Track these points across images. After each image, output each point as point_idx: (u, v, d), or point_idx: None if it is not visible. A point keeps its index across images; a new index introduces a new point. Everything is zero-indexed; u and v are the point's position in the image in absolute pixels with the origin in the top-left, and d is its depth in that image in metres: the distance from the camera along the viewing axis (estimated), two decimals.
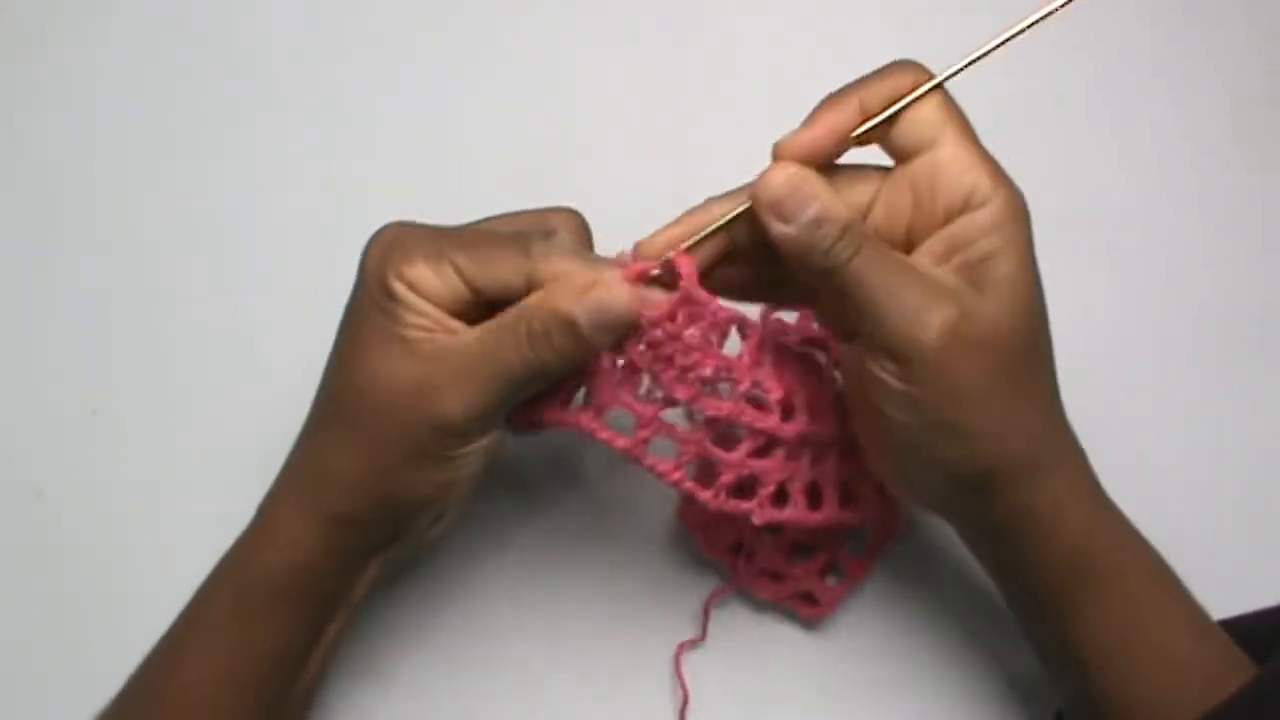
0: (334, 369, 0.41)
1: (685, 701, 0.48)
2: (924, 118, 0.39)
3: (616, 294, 0.39)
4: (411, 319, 0.39)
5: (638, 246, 0.41)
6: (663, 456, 0.43)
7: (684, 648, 0.49)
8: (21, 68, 0.57)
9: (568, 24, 0.58)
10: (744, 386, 0.42)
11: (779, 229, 0.38)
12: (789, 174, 0.38)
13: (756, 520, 0.43)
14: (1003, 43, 0.39)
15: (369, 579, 0.44)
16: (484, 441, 0.40)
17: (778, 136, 0.39)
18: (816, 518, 0.44)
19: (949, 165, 0.38)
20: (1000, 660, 0.50)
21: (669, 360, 0.41)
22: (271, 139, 0.56)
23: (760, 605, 0.50)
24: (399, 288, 0.39)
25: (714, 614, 0.49)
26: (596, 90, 0.57)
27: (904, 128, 0.39)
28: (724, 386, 0.42)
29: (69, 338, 0.53)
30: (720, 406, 0.42)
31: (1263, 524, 0.52)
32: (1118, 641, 0.41)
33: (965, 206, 0.38)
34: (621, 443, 0.42)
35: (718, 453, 0.42)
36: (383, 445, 0.40)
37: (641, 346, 0.41)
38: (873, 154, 0.41)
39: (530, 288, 0.39)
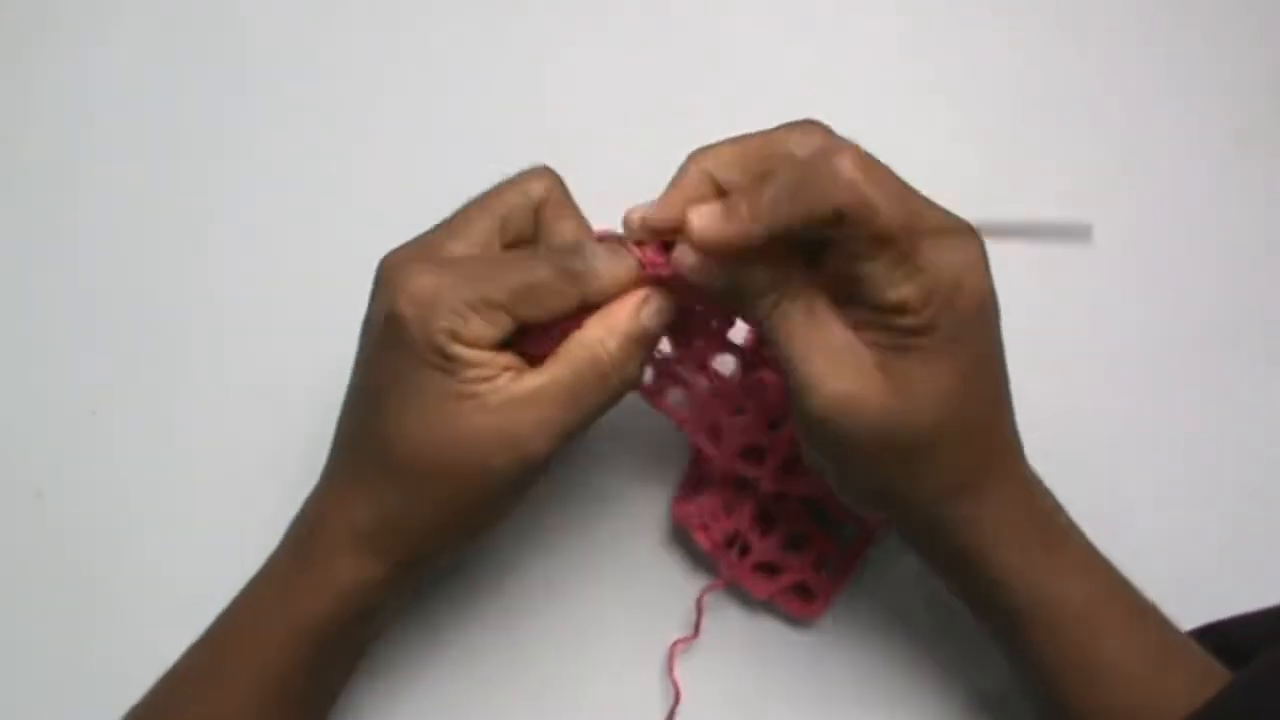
0: (387, 429, 0.40)
1: (677, 700, 0.48)
2: (855, 231, 0.37)
3: (664, 296, 0.41)
4: (473, 374, 0.39)
5: (628, 219, 0.41)
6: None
7: (678, 646, 0.49)
8: (21, 68, 0.57)
9: (565, 21, 0.58)
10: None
11: (703, 283, 0.40)
12: (688, 264, 0.39)
13: (764, 487, 0.46)
14: None
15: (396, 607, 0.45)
16: (544, 474, 0.41)
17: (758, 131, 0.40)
18: (790, 485, 0.47)
19: (878, 278, 0.37)
20: (995, 659, 0.50)
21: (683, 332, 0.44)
22: (272, 139, 0.56)
23: (754, 603, 0.50)
24: (457, 350, 0.39)
25: (708, 612, 0.49)
26: (593, 85, 0.57)
27: (839, 235, 0.37)
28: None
29: (69, 338, 0.53)
30: (728, 384, 0.46)
31: (1261, 527, 0.52)
32: (1072, 670, 0.41)
33: (893, 310, 0.38)
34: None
35: (728, 419, 0.45)
36: (468, 496, 0.40)
37: None
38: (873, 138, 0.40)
39: (582, 309, 0.40)
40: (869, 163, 0.37)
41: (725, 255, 0.38)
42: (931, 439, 0.39)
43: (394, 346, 0.39)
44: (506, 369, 0.39)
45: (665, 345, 0.45)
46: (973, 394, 0.39)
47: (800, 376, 0.39)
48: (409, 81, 0.57)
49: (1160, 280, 0.55)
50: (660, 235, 0.40)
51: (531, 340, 0.41)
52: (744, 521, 0.48)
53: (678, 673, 0.48)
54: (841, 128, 0.56)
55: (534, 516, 0.51)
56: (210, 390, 0.53)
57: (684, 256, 0.39)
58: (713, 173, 0.40)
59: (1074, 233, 0.36)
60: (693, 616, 0.49)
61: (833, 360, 0.38)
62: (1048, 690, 0.42)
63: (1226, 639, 0.43)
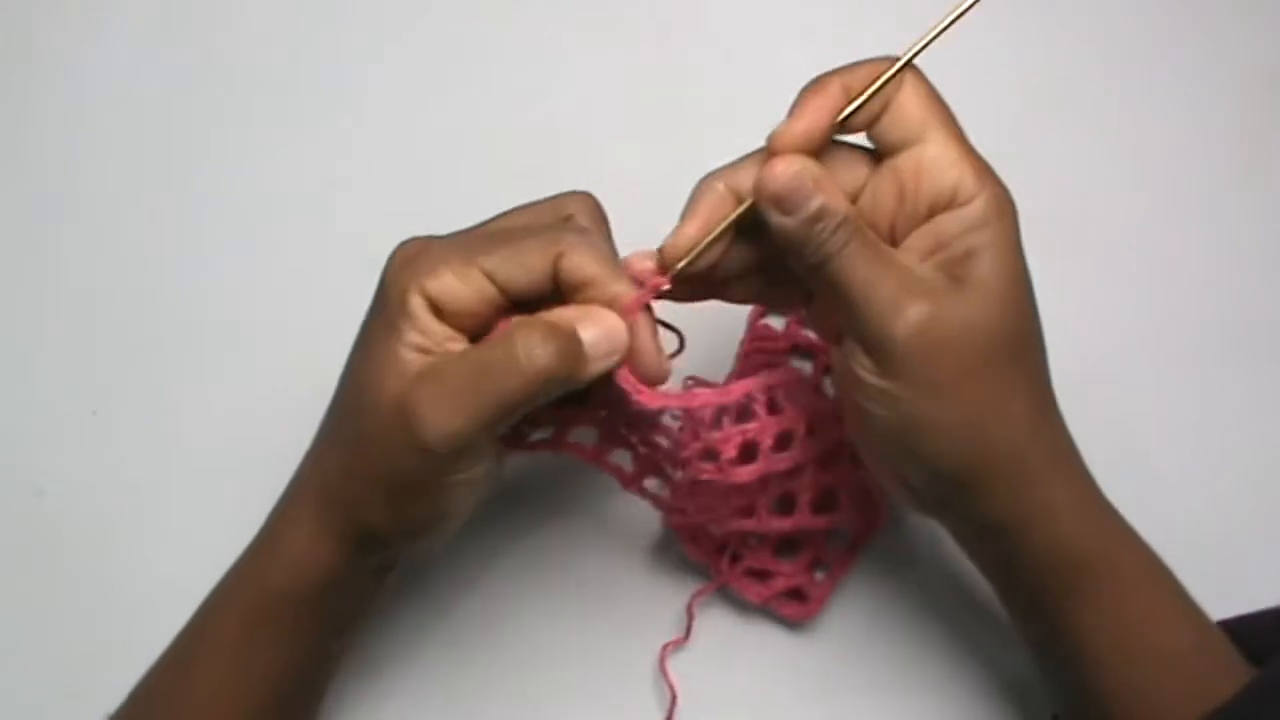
0: (341, 383, 0.41)
1: (673, 701, 0.48)
2: (909, 113, 0.39)
3: (616, 321, 0.39)
4: (412, 337, 0.38)
5: (662, 252, 0.40)
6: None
7: (669, 648, 0.49)
8: (20, 68, 0.57)
9: (566, 19, 0.58)
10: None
11: (779, 221, 0.38)
12: (794, 169, 0.38)
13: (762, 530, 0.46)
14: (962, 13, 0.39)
15: (369, 593, 0.44)
16: (472, 473, 0.39)
17: (773, 128, 0.39)
18: (785, 525, 0.46)
19: (934, 161, 0.38)
20: (989, 660, 0.50)
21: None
22: (272, 138, 0.56)
23: (746, 605, 0.50)
24: (415, 302, 0.38)
25: (700, 614, 0.49)
26: (594, 86, 0.57)
27: (889, 122, 0.39)
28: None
29: (69, 338, 0.54)
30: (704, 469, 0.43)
31: (1265, 525, 0.52)
32: (1114, 644, 0.40)
33: (949, 203, 0.38)
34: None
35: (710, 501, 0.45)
36: (373, 464, 0.39)
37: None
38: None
39: (557, 279, 0.39)
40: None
41: (818, 141, 0.39)
42: (1013, 343, 0.39)
43: (374, 306, 0.40)
44: (448, 342, 0.38)
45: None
46: (1034, 304, 0.39)
47: (875, 305, 0.38)
48: (409, 82, 0.57)
49: (1160, 280, 0.55)
50: (808, 146, 0.39)
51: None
52: (735, 530, 0.48)
53: (673, 675, 0.48)
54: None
55: (529, 518, 0.51)
56: (210, 390, 0.53)
57: (788, 165, 0.38)
58: (732, 186, 0.40)
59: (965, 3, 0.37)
60: (684, 619, 0.49)
61: (905, 284, 0.38)
62: (1088, 663, 0.41)
63: (1240, 636, 0.42)
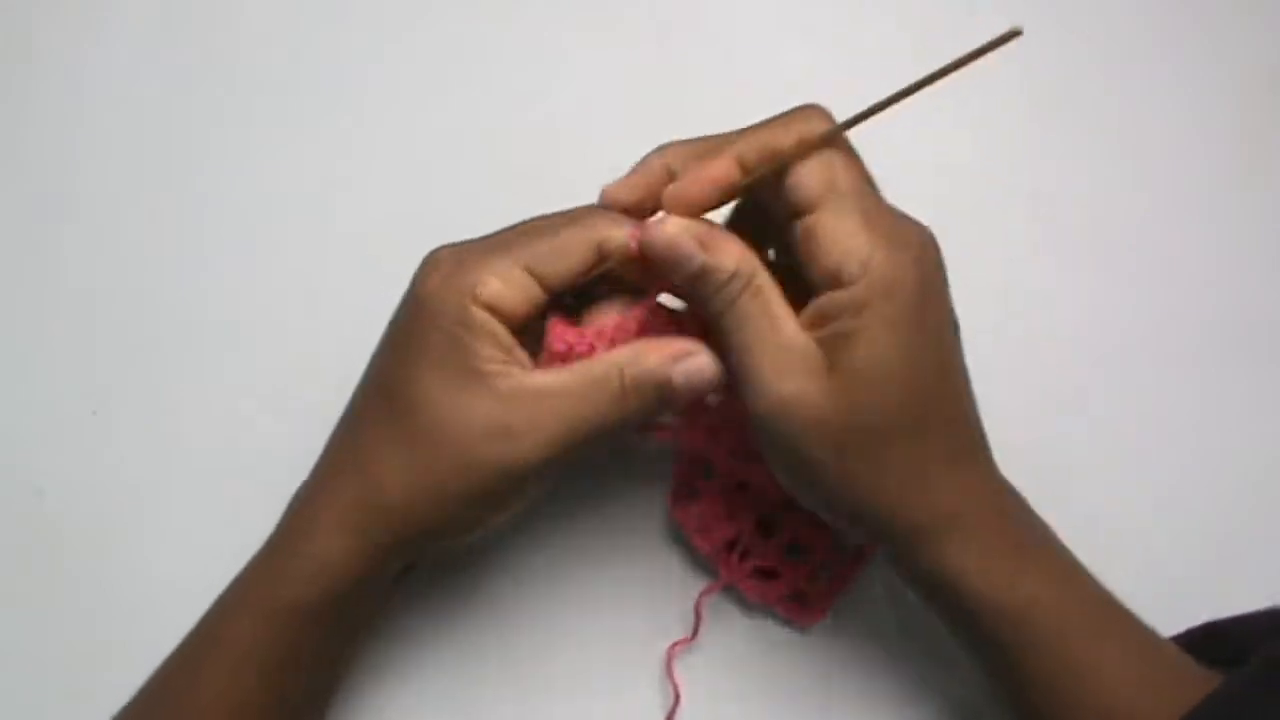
0: (391, 396, 0.40)
1: (676, 702, 0.48)
2: (804, 183, 0.38)
3: (710, 361, 0.40)
4: (486, 351, 0.38)
5: (603, 193, 0.41)
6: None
7: (676, 647, 0.49)
8: (20, 67, 0.57)
9: (566, 19, 0.58)
10: None
11: (668, 275, 0.39)
12: (669, 235, 0.38)
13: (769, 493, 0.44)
14: (890, 101, 0.39)
15: (390, 593, 0.44)
16: (547, 486, 0.40)
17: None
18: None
19: (821, 236, 0.38)
20: None
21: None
22: (273, 138, 0.56)
23: (753, 604, 0.50)
24: (478, 314, 0.38)
25: (707, 613, 0.49)
26: (594, 86, 0.57)
27: (787, 188, 0.38)
28: None
29: (69, 338, 0.54)
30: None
31: (1265, 525, 0.52)
32: (1047, 694, 0.40)
33: (832, 282, 0.38)
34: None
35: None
36: (449, 482, 0.39)
37: None
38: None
39: (600, 258, 0.40)
40: (832, 118, 0.39)
41: (703, 209, 0.39)
42: (878, 432, 0.38)
43: (415, 319, 0.39)
44: (520, 364, 0.39)
45: None
46: (922, 385, 0.38)
47: (746, 375, 0.39)
48: (410, 82, 0.57)
49: (1160, 280, 0.55)
50: (698, 208, 0.40)
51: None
52: (745, 526, 0.48)
53: (678, 675, 0.48)
54: None
55: (533, 515, 0.51)
56: (210, 390, 0.53)
57: (667, 228, 0.39)
58: (671, 164, 0.40)
59: (1006, 39, 0.36)
60: (691, 617, 0.49)
61: (779, 358, 0.38)
62: (1024, 708, 0.41)
63: (1223, 639, 0.42)
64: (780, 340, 0.38)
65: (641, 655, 0.49)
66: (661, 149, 0.41)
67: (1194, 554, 0.51)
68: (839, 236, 0.37)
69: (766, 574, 0.49)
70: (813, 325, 0.38)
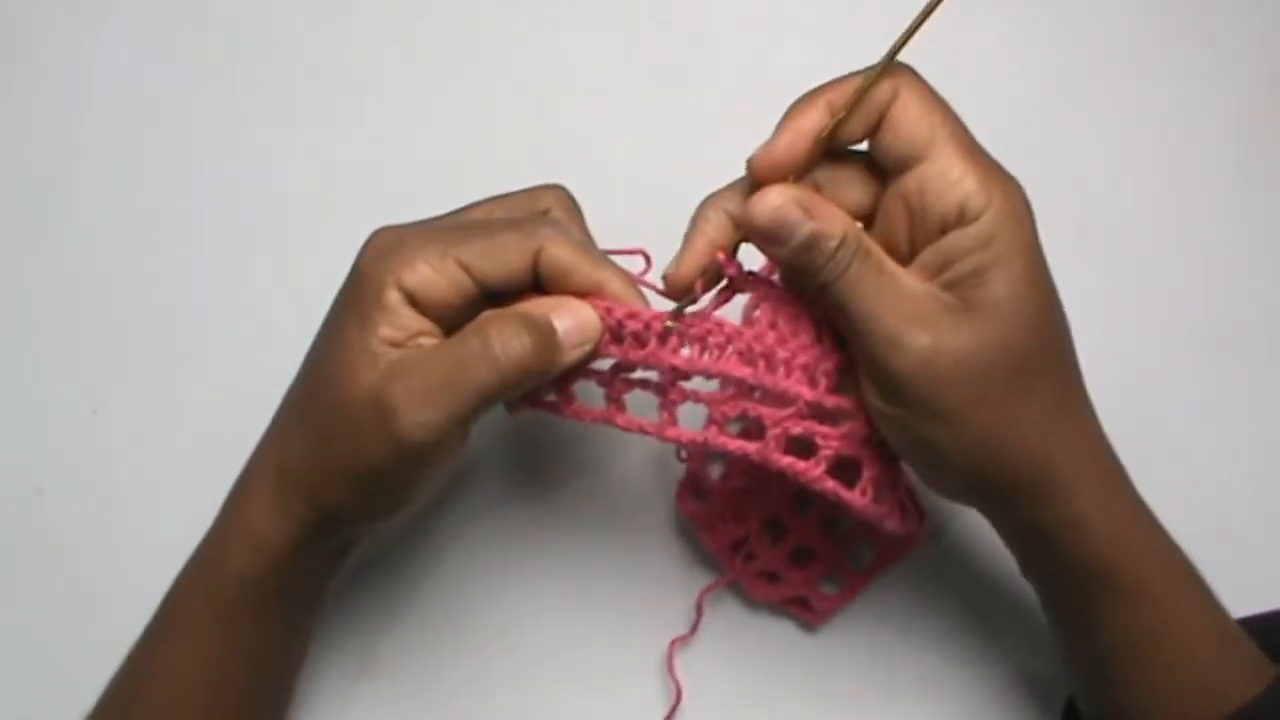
0: (306, 369, 0.41)
1: (678, 698, 0.48)
2: (906, 127, 0.37)
3: (590, 312, 0.39)
4: (385, 331, 0.38)
5: (666, 280, 0.40)
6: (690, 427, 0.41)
7: (677, 644, 0.48)
8: (21, 67, 0.57)
9: (566, 19, 0.58)
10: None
11: (774, 252, 0.38)
12: (776, 203, 0.37)
13: (810, 477, 0.40)
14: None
15: (331, 571, 0.43)
16: (441, 464, 0.39)
17: (768, 129, 0.39)
18: (856, 497, 0.41)
19: (938, 178, 0.37)
20: (997, 662, 0.50)
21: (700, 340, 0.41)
22: (273, 138, 0.56)
23: (755, 602, 0.50)
24: (390, 295, 0.38)
25: (710, 610, 0.49)
26: (592, 83, 0.57)
27: (888, 139, 0.38)
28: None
29: (69, 338, 0.54)
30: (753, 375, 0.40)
31: (1268, 524, 0.52)
32: (1140, 649, 0.40)
33: (957, 220, 0.37)
34: (647, 426, 0.41)
35: (767, 410, 0.40)
36: (346, 456, 0.39)
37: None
38: None
39: (539, 272, 0.39)
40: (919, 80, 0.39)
41: (796, 165, 0.38)
42: (1020, 365, 0.37)
43: (344, 294, 0.40)
44: (420, 335, 0.38)
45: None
46: (1050, 317, 0.38)
47: (878, 336, 0.37)
48: (409, 82, 0.57)
49: (1159, 279, 0.55)
50: (687, 287, 0.40)
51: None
52: (753, 527, 0.48)
53: (678, 670, 0.48)
54: None
55: (537, 510, 0.51)
56: (210, 391, 0.53)
57: (770, 199, 0.38)
58: (729, 211, 0.40)
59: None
60: (692, 614, 0.49)
61: (909, 313, 0.37)
62: (1111, 665, 0.41)
63: (1258, 634, 0.42)
64: (904, 296, 0.37)
65: (645, 651, 0.49)
66: (706, 203, 0.40)
67: (1197, 554, 0.51)
68: (956, 176, 0.37)
69: (770, 577, 0.49)
70: (932, 273, 0.38)
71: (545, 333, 0.39)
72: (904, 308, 0.37)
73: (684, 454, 0.48)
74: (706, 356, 0.40)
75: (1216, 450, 0.53)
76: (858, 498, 0.41)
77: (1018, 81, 0.57)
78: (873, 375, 0.38)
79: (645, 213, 0.42)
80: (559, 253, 0.39)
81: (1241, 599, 0.43)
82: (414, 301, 0.38)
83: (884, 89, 0.38)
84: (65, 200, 0.55)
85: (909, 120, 0.38)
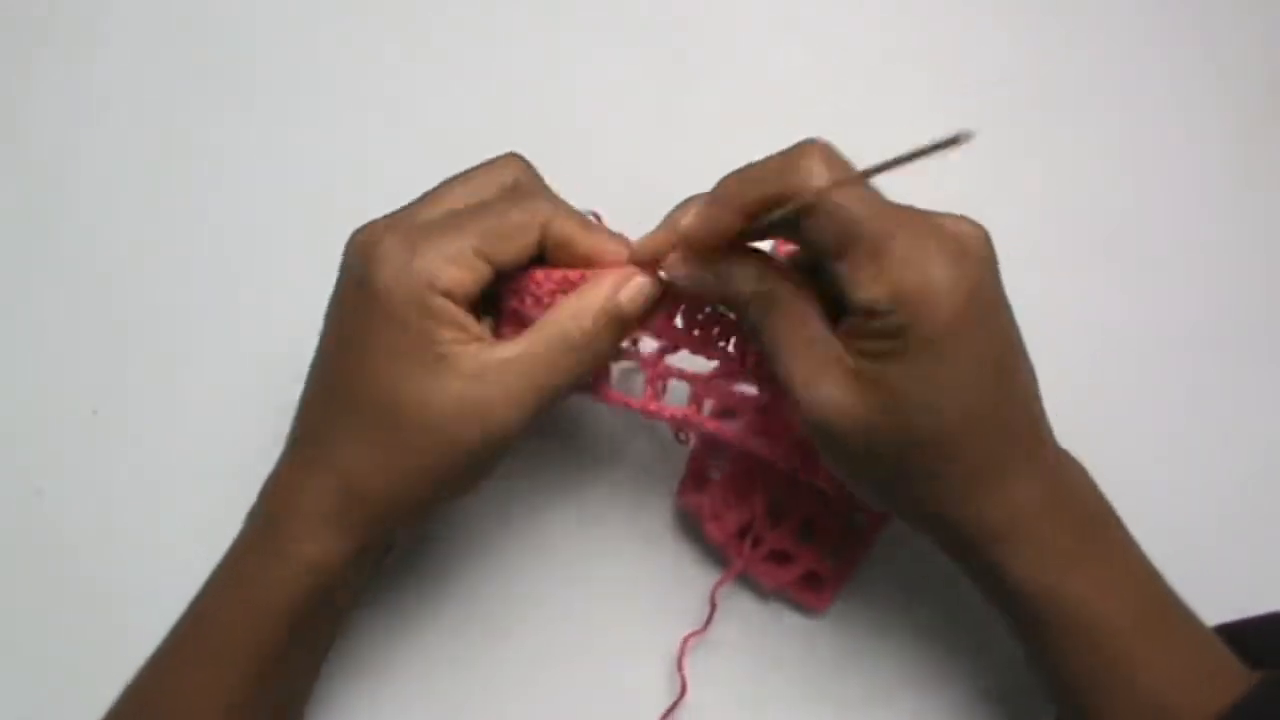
0: (361, 391, 0.40)
1: (682, 694, 0.48)
2: (818, 235, 0.37)
3: (648, 280, 0.41)
4: (447, 335, 0.39)
5: (630, 251, 0.42)
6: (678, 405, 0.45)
7: (690, 640, 0.48)
8: (21, 67, 0.57)
9: (564, 17, 0.58)
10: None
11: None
12: (686, 273, 0.40)
13: (783, 465, 0.45)
14: (894, 164, 0.35)
15: (366, 579, 0.44)
16: (518, 445, 0.41)
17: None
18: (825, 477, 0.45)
19: (848, 278, 0.37)
20: (1005, 654, 0.50)
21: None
22: (272, 138, 0.56)
23: (761, 597, 0.50)
24: (437, 302, 0.39)
25: (720, 605, 0.49)
26: (592, 83, 0.57)
27: (808, 228, 0.38)
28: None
29: (69, 337, 0.54)
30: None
31: (1265, 525, 0.52)
32: (1098, 683, 0.40)
33: (866, 312, 0.37)
34: (634, 402, 0.45)
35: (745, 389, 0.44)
36: (432, 464, 0.40)
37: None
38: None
39: (543, 244, 0.41)
40: (836, 159, 0.37)
41: (709, 250, 0.40)
42: (922, 444, 0.38)
43: (369, 311, 0.40)
44: (479, 339, 0.40)
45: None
46: (971, 397, 0.38)
47: (785, 378, 0.39)
48: (409, 82, 0.57)
49: (1159, 279, 0.55)
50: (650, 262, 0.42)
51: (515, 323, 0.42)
52: (756, 511, 0.48)
53: (687, 666, 0.48)
54: (837, 127, 0.56)
55: (542, 504, 0.51)
56: (211, 391, 0.53)
57: (672, 269, 0.41)
58: (734, 199, 0.40)
59: (955, 141, 0.35)
60: (700, 608, 0.49)
61: (814, 364, 0.38)
62: (1070, 695, 0.41)
63: (1243, 641, 0.42)
64: (812, 349, 0.39)
65: (652, 647, 0.49)
66: (685, 203, 0.41)
67: (1192, 554, 0.51)
68: (862, 279, 0.37)
69: (780, 557, 0.49)
70: (851, 336, 0.38)
71: (617, 315, 0.41)
72: (810, 361, 0.39)
73: (686, 438, 0.49)
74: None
75: (1216, 450, 0.53)
76: (826, 478, 0.44)
77: (1018, 81, 0.57)
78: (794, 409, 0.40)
79: (645, 212, 0.42)
80: (562, 226, 0.41)
81: (1241, 599, 0.43)
82: (457, 302, 0.40)
83: (791, 178, 0.37)
84: (65, 200, 0.55)
85: (816, 226, 0.37)
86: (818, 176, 0.36)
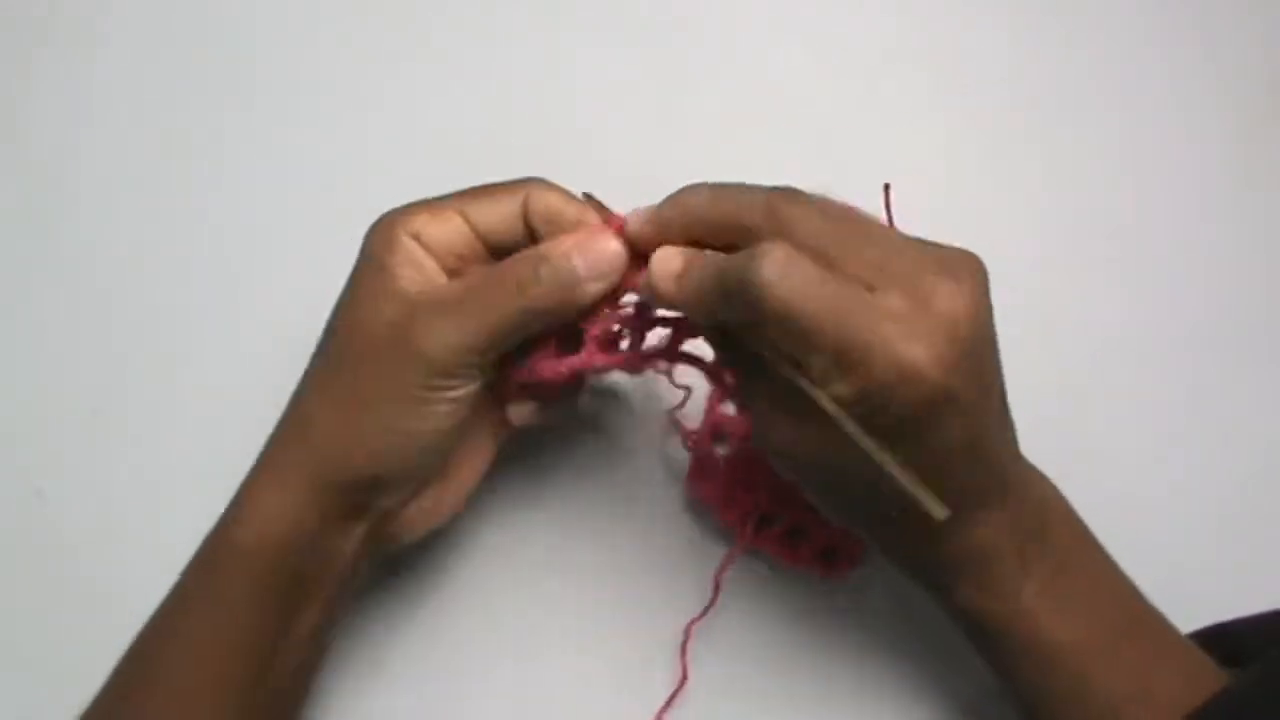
0: (327, 335, 0.42)
1: (683, 682, 0.48)
2: (777, 336, 0.36)
3: (611, 243, 0.40)
4: (407, 272, 0.40)
5: (625, 225, 0.41)
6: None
7: (694, 624, 0.48)
8: (21, 67, 0.57)
9: (564, 17, 0.58)
10: None
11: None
12: (670, 274, 0.39)
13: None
14: None
15: (348, 563, 0.42)
16: (466, 389, 0.40)
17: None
18: None
19: (816, 375, 0.35)
20: None
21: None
22: (273, 137, 0.56)
23: (764, 585, 0.50)
24: (402, 238, 0.40)
25: (725, 590, 0.49)
26: (592, 83, 0.57)
27: (761, 340, 0.36)
28: None
29: (69, 337, 0.53)
30: None
31: (1260, 528, 0.52)
32: (1062, 702, 0.41)
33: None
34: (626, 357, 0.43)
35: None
36: (365, 386, 0.40)
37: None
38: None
39: (529, 220, 0.41)
40: (792, 266, 0.34)
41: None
42: (888, 495, 0.37)
43: (357, 264, 0.41)
44: (439, 276, 0.40)
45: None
46: (941, 450, 0.36)
47: (752, 415, 0.40)
48: (409, 82, 0.57)
49: (1159, 280, 0.55)
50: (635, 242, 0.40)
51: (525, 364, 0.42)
52: (766, 493, 0.48)
53: (690, 654, 0.48)
54: (837, 127, 0.56)
55: (546, 496, 0.51)
56: (212, 391, 0.53)
57: (660, 270, 0.39)
58: (691, 212, 0.39)
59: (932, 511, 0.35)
60: (702, 593, 0.49)
61: (778, 407, 0.38)
62: (1036, 711, 0.42)
63: (1227, 642, 0.42)
64: (777, 393, 0.38)
65: (657, 632, 0.49)
66: (685, 191, 0.39)
67: (1193, 555, 0.51)
68: (829, 380, 0.35)
69: (796, 534, 0.49)
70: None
71: (561, 262, 0.39)
72: (774, 402, 0.38)
73: (689, 441, 0.49)
74: None
75: (1216, 450, 0.53)
76: None
77: (1018, 81, 0.57)
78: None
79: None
80: (546, 195, 0.40)
81: (1241, 599, 0.43)
82: (424, 248, 0.40)
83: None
84: (65, 200, 0.55)
85: (773, 329, 0.36)
86: (768, 288, 0.34)
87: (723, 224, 0.37)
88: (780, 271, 0.34)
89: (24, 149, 0.56)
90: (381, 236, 0.40)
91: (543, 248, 0.40)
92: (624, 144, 0.55)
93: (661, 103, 0.56)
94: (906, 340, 0.34)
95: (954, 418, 0.35)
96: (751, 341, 0.37)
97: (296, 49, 0.57)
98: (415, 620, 0.50)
